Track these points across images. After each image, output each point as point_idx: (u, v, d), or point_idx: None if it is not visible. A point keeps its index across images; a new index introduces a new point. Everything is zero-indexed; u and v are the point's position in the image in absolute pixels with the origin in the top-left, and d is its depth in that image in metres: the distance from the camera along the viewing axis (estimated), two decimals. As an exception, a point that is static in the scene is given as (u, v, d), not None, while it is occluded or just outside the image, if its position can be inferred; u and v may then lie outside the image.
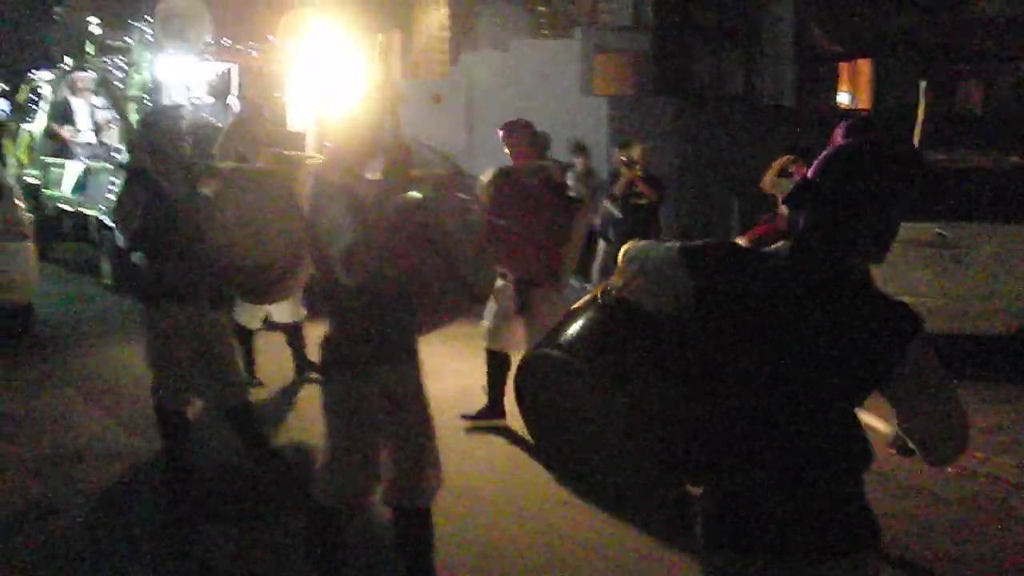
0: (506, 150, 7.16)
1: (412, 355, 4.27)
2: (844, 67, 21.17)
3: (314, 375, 7.74)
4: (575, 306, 3.78)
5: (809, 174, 2.56)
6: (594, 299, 2.92)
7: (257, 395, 7.52)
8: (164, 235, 5.54)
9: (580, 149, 12.81)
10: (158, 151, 5.67)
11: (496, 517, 5.62)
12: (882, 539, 2.60)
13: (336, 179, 4.10)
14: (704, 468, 2.62)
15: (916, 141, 4.87)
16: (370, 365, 4.10)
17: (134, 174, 5.79)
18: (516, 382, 6.29)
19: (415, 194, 4.23)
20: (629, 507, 5.37)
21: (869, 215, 2.50)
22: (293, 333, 8.15)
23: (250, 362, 7.93)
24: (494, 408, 7.20)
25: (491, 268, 4.62)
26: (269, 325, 8.30)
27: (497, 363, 7.19)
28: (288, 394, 7.97)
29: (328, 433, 4.23)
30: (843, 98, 21.08)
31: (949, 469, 6.51)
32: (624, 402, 2.42)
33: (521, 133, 7.11)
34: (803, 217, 2.54)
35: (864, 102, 20.45)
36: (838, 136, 4.38)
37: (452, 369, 8.26)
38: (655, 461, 2.65)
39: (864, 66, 20.77)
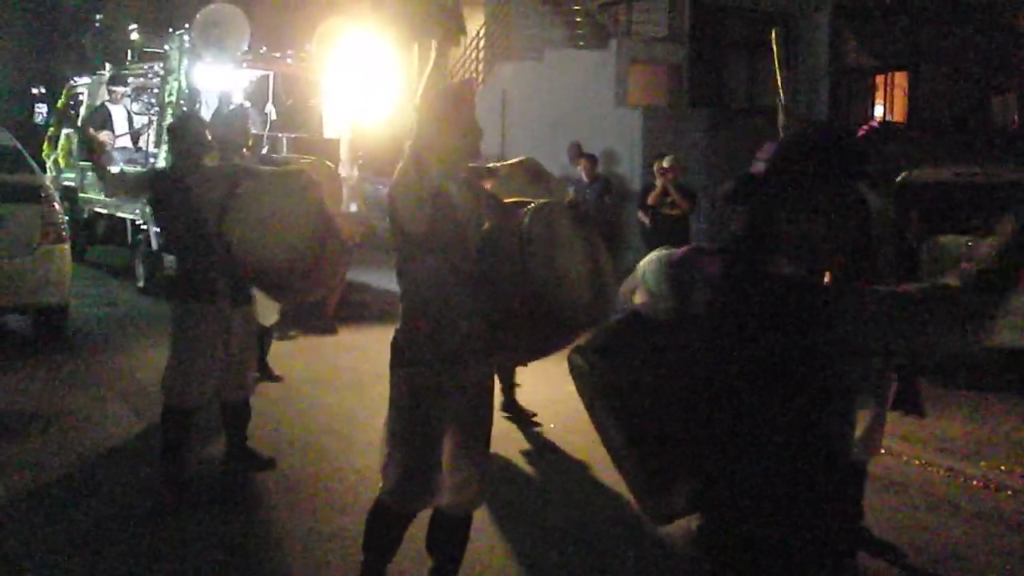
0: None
1: (489, 356, 4.06)
2: (879, 80, 21.05)
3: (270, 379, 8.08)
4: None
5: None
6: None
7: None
8: (192, 237, 5.68)
9: (581, 155, 13.33)
10: (185, 156, 5.84)
11: (521, 525, 5.63)
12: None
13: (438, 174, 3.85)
14: (702, 496, 2.54)
15: (781, 94, 4.51)
16: (456, 360, 3.90)
17: (159, 179, 6.02)
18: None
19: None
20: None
21: (797, 208, 2.32)
22: (262, 338, 8.06)
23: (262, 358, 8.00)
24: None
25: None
26: None
27: None
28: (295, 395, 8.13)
29: (398, 432, 3.95)
30: (878, 111, 20.95)
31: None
32: (620, 407, 2.36)
33: None
34: (738, 217, 2.41)
35: (900, 115, 20.31)
36: None
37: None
38: (652, 476, 2.58)
39: (900, 79, 20.64)
